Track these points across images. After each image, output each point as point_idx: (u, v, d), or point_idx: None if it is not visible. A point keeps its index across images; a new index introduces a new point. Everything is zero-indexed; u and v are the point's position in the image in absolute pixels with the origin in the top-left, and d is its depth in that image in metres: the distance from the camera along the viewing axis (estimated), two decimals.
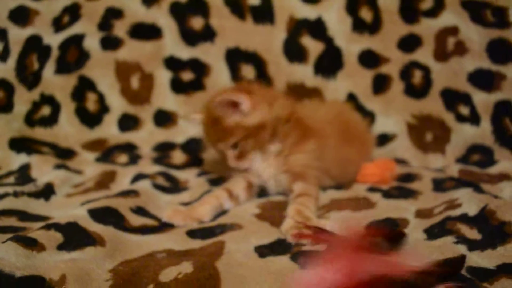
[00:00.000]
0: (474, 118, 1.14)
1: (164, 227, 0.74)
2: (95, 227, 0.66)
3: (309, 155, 0.88)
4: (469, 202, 0.73)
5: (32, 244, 0.60)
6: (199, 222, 0.76)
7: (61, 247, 0.61)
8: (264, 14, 1.18)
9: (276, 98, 0.90)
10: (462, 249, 0.60)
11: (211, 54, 1.18)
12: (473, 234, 0.64)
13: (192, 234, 0.70)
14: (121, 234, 0.67)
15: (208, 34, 1.18)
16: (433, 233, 0.66)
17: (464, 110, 1.15)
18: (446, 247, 0.60)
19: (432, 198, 0.84)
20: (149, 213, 0.78)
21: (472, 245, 0.60)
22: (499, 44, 1.14)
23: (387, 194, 0.87)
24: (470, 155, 1.12)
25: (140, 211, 0.77)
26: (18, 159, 1.07)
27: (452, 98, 1.16)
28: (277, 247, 0.64)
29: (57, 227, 0.64)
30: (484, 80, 1.15)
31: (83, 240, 0.63)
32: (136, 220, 0.73)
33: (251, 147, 0.85)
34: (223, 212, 0.81)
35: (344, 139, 0.95)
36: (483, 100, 1.14)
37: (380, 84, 1.18)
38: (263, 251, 0.62)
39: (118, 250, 0.62)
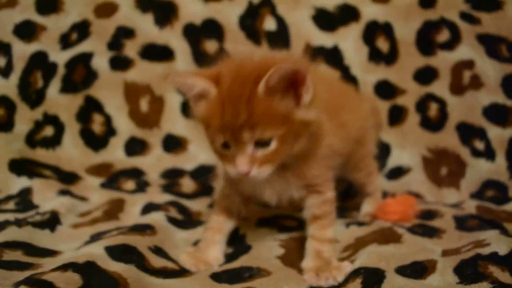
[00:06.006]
0: (489, 153, 1.12)
1: (185, 271, 0.70)
2: (115, 266, 0.62)
3: (321, 162, 0.72)
4: (497, 242, 0.71)
5: None
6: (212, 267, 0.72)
7: None
8: (280, 40, 1.15)
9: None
10: None
11: None
12: (506, 277, 0.62)
13: (217, 277, 0.66)
14: (143, 275, 0.63)
15: (222, 58, 1.15)
16: (465, 275, 0.64)
17: (479, 145, 1.13)
18: None
19: (457, 237, 0.81)
20: (168, 255, 0.74)
21: None
22: None
23: (412, 231, 0.84)
24: (485, 191, 1.10)
25: (158, 251, 0.73)
26: (19, 183, 1.02)
27: (467, 132, 1.14)
28: None
29: (75, 267, 0.60)
30: (499, 114, 1.14)
31: (104, 283, 0.58)
32: (156, 261, 0.69)
33: (285, 151, 0.62)
34: (241, 247, 0.77)
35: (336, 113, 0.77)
36: (498, 135, 1.12)
37: (396, 116, 1.16)
38: None
39: None
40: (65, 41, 1.14)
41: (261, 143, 0.60)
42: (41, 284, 0.55)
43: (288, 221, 0.90)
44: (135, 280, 0.60)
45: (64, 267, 0.60)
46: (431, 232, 0.84)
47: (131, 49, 1.14)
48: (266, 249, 0.76)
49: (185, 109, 1.14)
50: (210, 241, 0.75)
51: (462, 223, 0.89)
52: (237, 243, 0.80)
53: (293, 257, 0.73)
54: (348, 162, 0.85)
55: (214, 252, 0.74)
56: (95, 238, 0.76)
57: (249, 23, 1.17)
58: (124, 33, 1.14)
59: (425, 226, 0.88)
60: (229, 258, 0.74)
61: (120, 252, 0.66)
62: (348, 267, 0.68)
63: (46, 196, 0.97)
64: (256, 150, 0.61)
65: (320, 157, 0.70)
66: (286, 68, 0.57)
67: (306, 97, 0.61)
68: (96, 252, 0.65)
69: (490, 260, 0.66)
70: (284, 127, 0.60)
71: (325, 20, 1.18)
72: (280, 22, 1.17)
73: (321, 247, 0.71)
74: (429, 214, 0.95)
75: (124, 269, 0.61)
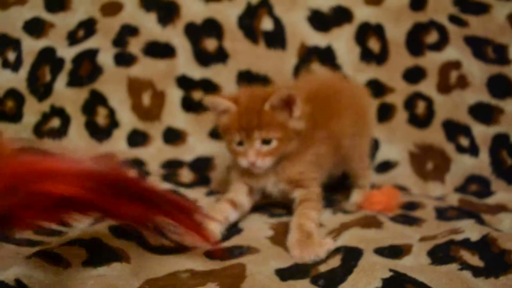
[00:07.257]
0: (473, 150, 1.18)
1: (180, 248, 0.75)
2: (117, 242, 0.68)
3: (306, 164, 0.90)
4: (471, 229, 0.77)
5: (58, 260, 0.61)
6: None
7: (86, 263, 0.62)
8: (276, 40, 1.22)
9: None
10: (467, 275, 0.63)
11: (223, 75, 1.20)
12: (475, 260, 0.68)
13: (210, 254, 0.72)
14: (143, 251, 0.69)
15: (221, 56, 1.21)
16: (437, 257, 0.70)
17: (464, 142, 1.19)
18: (453, 274, 0.64)
19: (436, 226, 0.87)
20: (165, 234, 0.79)
21: (476, 272, 0.64)
22: (499, 80, 1.19)
23: (393, 220, 0.90)
24: (468, 185, 1.16)
25: (156, 230, 0.78)
26: None
27: (453, 129, 1.19)
28: (295, 271, 0.66)
29: (81, 242, 0.66)
30: (483, 113, 1.19)
31: (107, 256, 0.64)
32: (154, 240, 0.74)
33: (281, 149, 0.85)
34: (234, 230, 0.83)
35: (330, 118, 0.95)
36: (482, 132, 1.18)
37: (385, 113, 1.22)
38: (283, 274, 0.64)
39: (142, 267, 0.64)
40: (72, 38, 1.20)
41: (265, 142, 0.85)
42: (51, 255, 0.61)
43: (278, 209, 0.97)
44: (136, 255, 0.66)
45: (71, 242, 0.66)
46: (411, 221, 0.89)
47: (135, 46, 1.20)
48: (257, 230, 0.82)
49: (185, 104, 1.21)
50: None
51: (442, 213, 0.94)
52: (229, 228, 0.85)
53: (281, 238, 0.78)
54: (346, 153, 0.99)
55: (213, 227, 0.79)
56: (99, 220, 0.82)
57: (248, 23, 1.23)
58: (129, 31, 1.20)
59: (406, 216, 0.93)
60: (222, 239, 0.80)
61: (122, 231, 0.72)
62: (330, 244, 0.74)
63: None
64: (261, 147, 0.85)
65: (304, 161, 0.89)
66: (284, 92, 0.83)
67: (296, 112, 0.85)
68: (101, 231, 0.71)
69: (462, 245, 0.72)
70: (281, 132, 0.84)
71: (320, 21, 1.23)
72: (277, 22, 1.23)
73: (303, 221, 0.79)
74: (412, 205, 1.00)
75: (126, 244, 0.67)
